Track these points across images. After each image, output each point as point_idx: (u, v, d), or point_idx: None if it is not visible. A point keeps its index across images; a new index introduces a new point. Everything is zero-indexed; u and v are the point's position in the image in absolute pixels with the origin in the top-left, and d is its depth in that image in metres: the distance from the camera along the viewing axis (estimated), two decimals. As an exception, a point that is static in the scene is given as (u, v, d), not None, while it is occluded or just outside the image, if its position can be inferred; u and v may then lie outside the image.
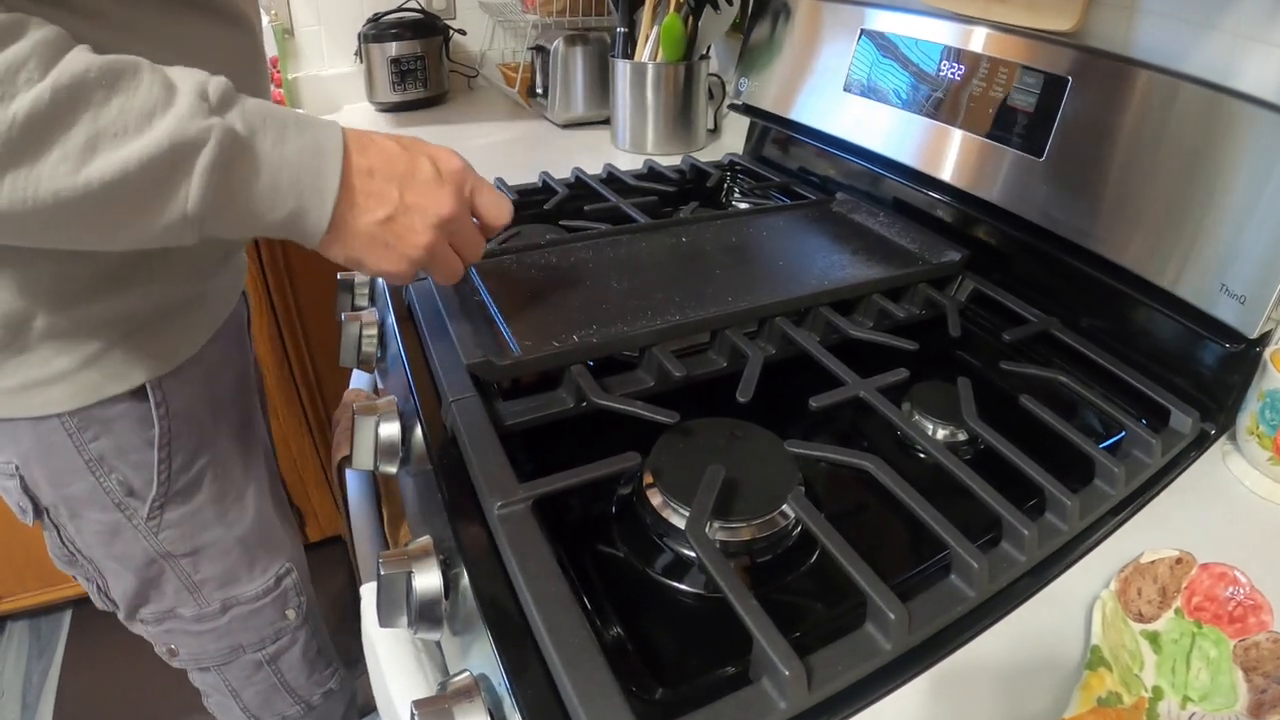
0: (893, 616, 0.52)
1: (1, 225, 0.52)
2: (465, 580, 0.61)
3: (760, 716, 0.48)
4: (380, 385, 1.12)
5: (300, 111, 0.62)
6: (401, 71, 2.05)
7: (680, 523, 0.62)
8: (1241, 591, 0.63)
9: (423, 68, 2.08)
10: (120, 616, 1.01)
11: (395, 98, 2.09)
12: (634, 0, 1.63)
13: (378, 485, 1.05)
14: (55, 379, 0.78)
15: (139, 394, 0.83)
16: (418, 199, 0.67)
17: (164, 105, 0.53)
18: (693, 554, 0.62)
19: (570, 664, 0.49)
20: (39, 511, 0.88)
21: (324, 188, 0.61)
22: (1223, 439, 0.82)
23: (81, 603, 2.23)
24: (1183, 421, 0.79)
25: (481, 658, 0.57)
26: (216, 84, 0.57)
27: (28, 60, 0.48)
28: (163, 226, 0.55)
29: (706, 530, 0.60)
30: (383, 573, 0.64)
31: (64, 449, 0.82)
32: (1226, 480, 0.78)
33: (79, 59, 0.51)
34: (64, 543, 0.91)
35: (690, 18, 1.54)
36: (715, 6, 1.50)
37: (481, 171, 0.77)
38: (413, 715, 0.53)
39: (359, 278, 1.13)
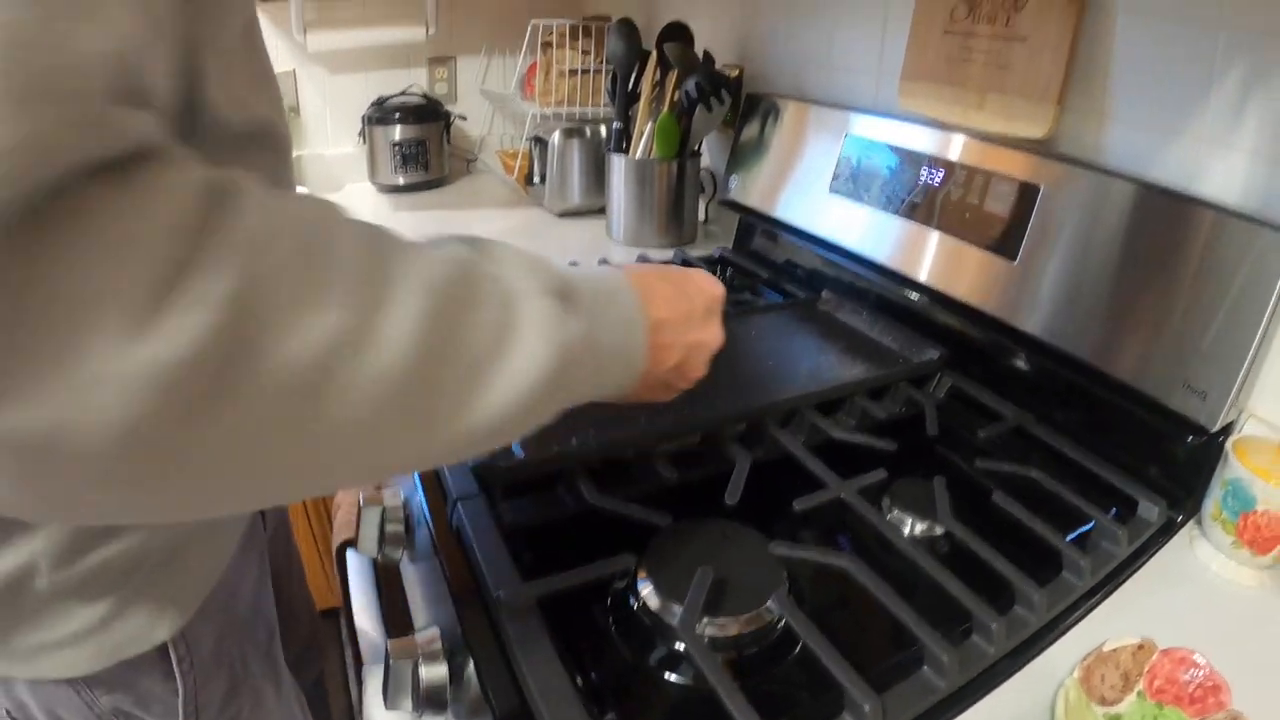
0: (867, 708, 0.56)
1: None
2: (471, 669, 0.65)
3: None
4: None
5: (581, 269, 0.60)
6: (403, 155, 2.12)
7: (673, 620, 0.66)
8: (1201, 673, 0.66)
9: (424, 152, 2.15)
10: None
11: (397, 180, 2.16)
12: (630, 96, 1.70)
13: (377, 569, 1.08)
14: (67, 642, 0.66)
15: (160, 648, 0.71)
16: (698, 337, 0.68)
17: (523, 317, 0.47)
18: (684, 648, 0.65)
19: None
20: None
21: (634, 361, 0.60)
22: (1190, 525, 0.86)
23: None
24: (1150, 510, 0.84)
25: None
26: (553, 277, 0.52)
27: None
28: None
29: (697, 628, 0.64)
30: (391, 661, 0.67)
31: (72, 704, 0.70)
32: (1193, 565, 0.82)
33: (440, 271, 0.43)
34: None
35: (684, 116, 1.60)
36: (708, 106, 1.56)
37: None
38: None
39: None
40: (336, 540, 1.03)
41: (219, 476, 0.36)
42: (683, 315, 0.66)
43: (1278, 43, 0.84)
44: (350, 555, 1.05)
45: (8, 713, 0.69)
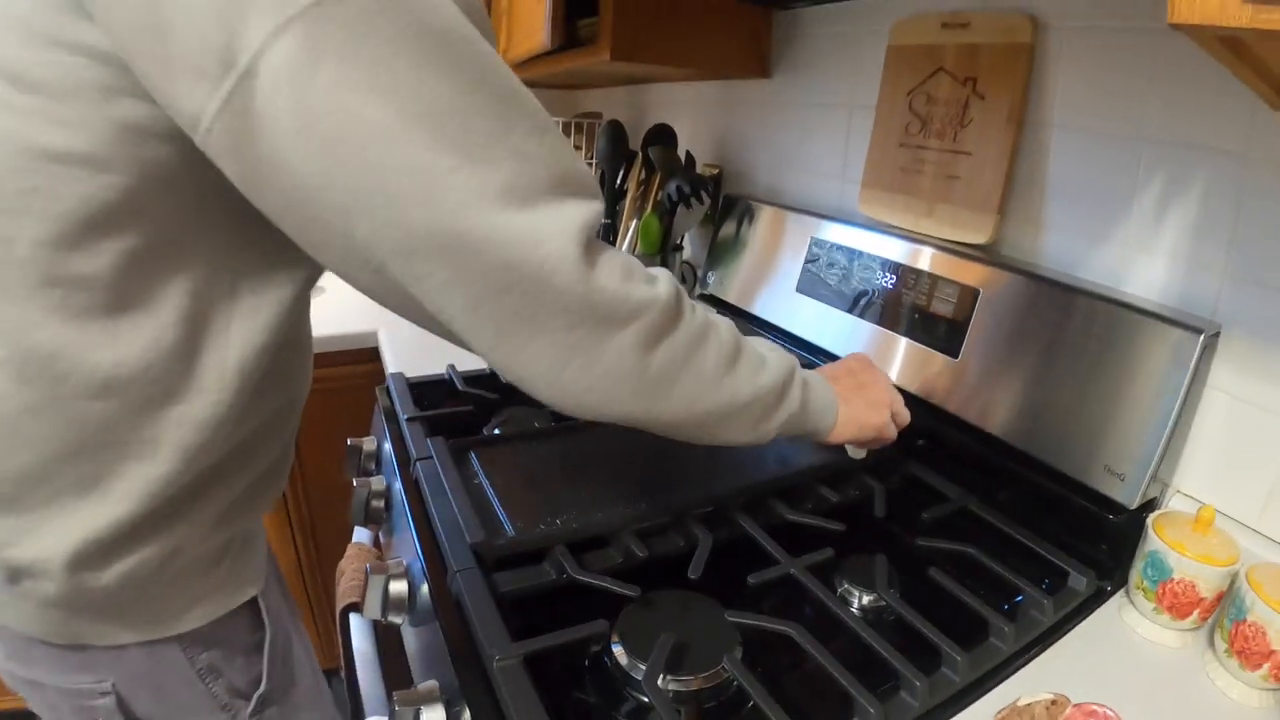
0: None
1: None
2: (467, 718, 0.75)
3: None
4: (382, 539, 1.25)
5: (811, 378, 0.93)
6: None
7: (639, 676, 0.76)
8: None
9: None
10: None
11: None
12: (617, 192, 1.82)
13: (378, 632, 1.17)
14: (193, 603, 0.84)
15: (249, 604, 0.90)
16: (869, 419, 0.98)
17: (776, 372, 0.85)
18: (650, 702, 0.75)
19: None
20: None
21: (827, 419, 0.93)
22: (1120, 594, 0.95)
23: None
24: (1079, 581, 0.93)
25: None
26: (800, 376, 0.89)
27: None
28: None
29: (659, 683, 0.74)
30: (396, 708, 0.77)
31: (175, 664, 0.85)
32: (1120, 629, 0.91)
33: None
34: None
35: (666, 215, 1.72)
36: (688, 205, 1.68)
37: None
38: None
39: (367, 445, 1.29)
40: (341, 604, 1.12)
41: (639, 376, 0.69)
42: (854, 387, 1.00)
43: (1192, 154, 0.95)
44: (353, 619, 1.14)
45: (114, 687, 0.82)
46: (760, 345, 0.85)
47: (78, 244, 0.64)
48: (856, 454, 1.08)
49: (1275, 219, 0.89)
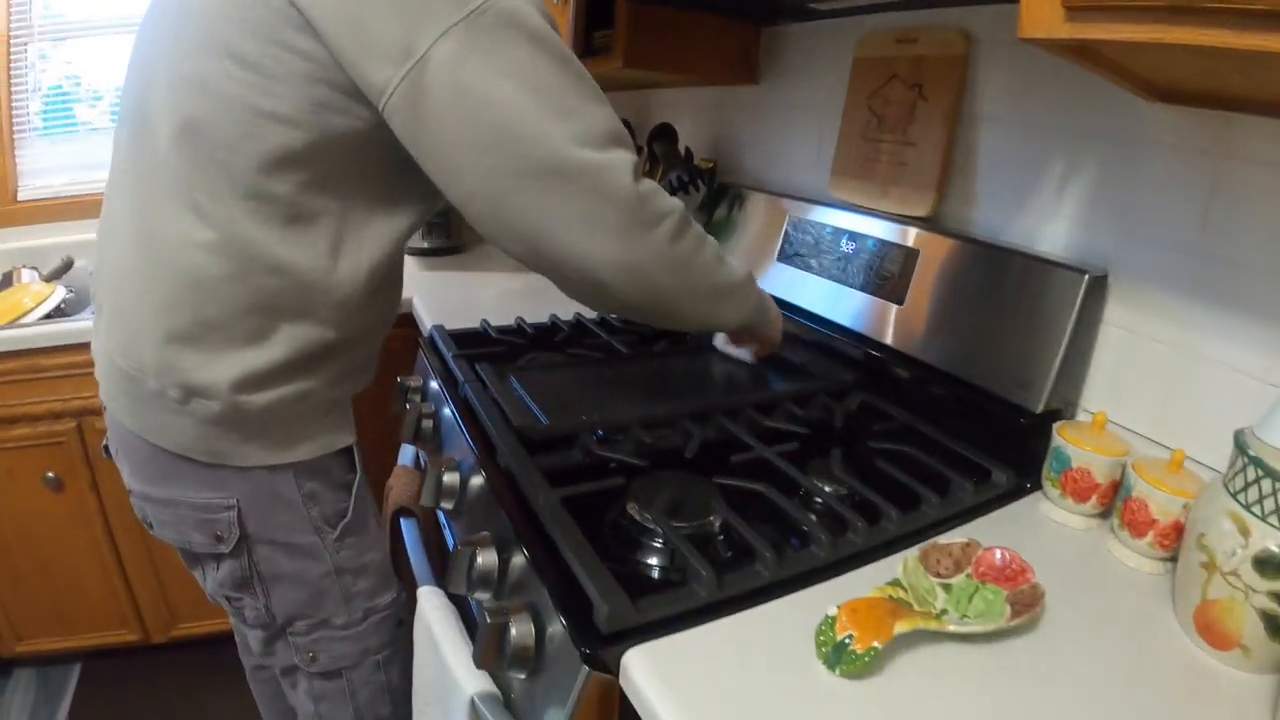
0: (769, 557, 0.89)
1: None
2: (515, 560, 0.96)
3: (684, 599, 0.85)
4: (423, 460, 1.47)
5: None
6: (430, 223, 2.44)
7: (647, 523, 0.97)
8: (1015, 562, 0.89)
9: (446, 222, 2.51)
10: (263, 639, 1.25)
11: (423, 245, 2.50)
12: (625, 183, 2.04)
13: (423, 530, 1.37)
14: (309, 437, 1.14)
15: (346, 450, 1.21)
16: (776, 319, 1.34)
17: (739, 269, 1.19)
18: (654, 540, 0.96)
19: (589, 571, 0.85)
20: (242, 538, 1.13)
21: (771, 315, 1.30)
22: (1037, 492, 1.12)
23: (92, 656, 2.41)
24: (1000, 478, 1.12)
25: (531, 588, 0.91)
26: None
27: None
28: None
29: (663, 525, 0.95)
30: (457, 547, 0.99)
31: (287, 487, 1.13)
32: (1035, 516, 1.08)
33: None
34: (247, 567, 1.16)
35: (669, 200, 1.93)
36: (687, 192, 1.91)
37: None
38: (483, 614, 0.87)
39: (413, 382, 1.53)
40: (391, 509, 1.34)
41: (671, 262, 1.03)
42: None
43: (1088, 140, 1.17)
44: (405, 525, 1.35)
45: (237, 503, 1.11)
46: (725, 253, 1.19)
47: (271, 173, 0.95)
48: (749, 357, 1.46)
49: (1150, 187, 1.09)
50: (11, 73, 2.56)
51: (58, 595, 2.27)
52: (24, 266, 2.51)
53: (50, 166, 2.70)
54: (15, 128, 2.62)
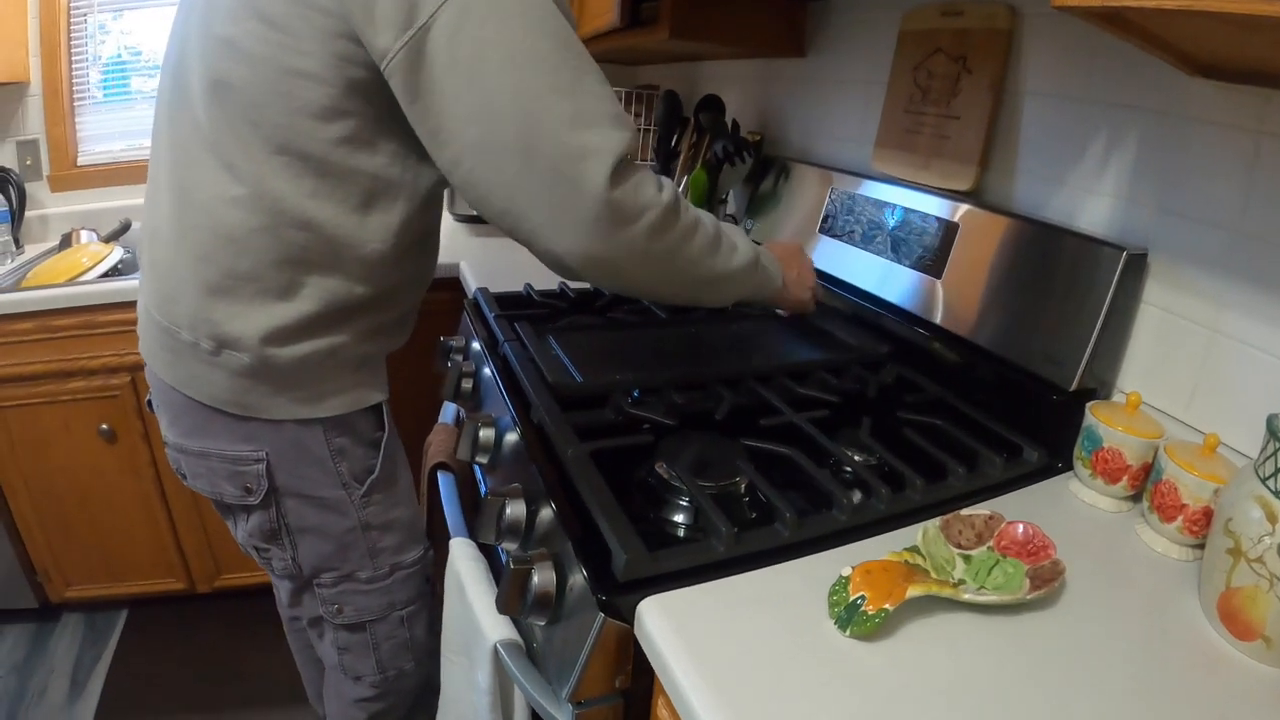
0: (788, 517, 0.90)
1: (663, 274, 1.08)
2: (544, 512, 0.98)
3: (702, 553, 0.87)
4: (463, 417, 1.50)
5: (766, 259, 1.26)
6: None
7: (674, 481, 0.99)
8: (1038, 537, 0.88)
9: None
10: (290, 589, 1.31)
11: (471, 211, 2.44)
12: (670, 153, 2.06)
13: (459, 485, 1.39)
14: (339, 392, 1.17)
15: (375, 408, 1.24)
16: (800, 274, 1.36)
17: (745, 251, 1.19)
18: (678, 498, 0.98)
19: (610, 520, 0.87)
20: (270, 491, 1.17)
21: (773, 291, 1.28)
22: (1068, 473, 1.11)
23: (138, 604, 2.50)
24: (1030, 455, 1.11)
25: (557, 539, 0.93)
26: (752, 245, 1.22)
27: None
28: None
29: (689, 484, 0.97)
30: (487, 498, 1.02)
31: (315, 442, 1.17)
32: (1064, 495, 1.07)
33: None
34: (275, 519, 1.20)
35: (713, 171, 1.94)
36: (733, 163, 1.91)
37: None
38: (506, 562, 0.90)
39: (455, 342, 1.57)
40: (429, 464, 1.37)
41: (644, 257, 1.02)
42: (795, 267, 1.36)
43: (1130, 114, 1.15)
44: (440, 476, 1.38)
45: (266, 455, 1.16)
46: (736, 236, 1.19)
47: (300, 130, 0.98)
48: (784, 313, 1.47)
49: (1191, 163, 1.07)
50: (72, 44, 2.65)
51: (107, 544, 2.34)
52: (83, 228, 2.59)
53: (109, 133, 2.80)
54: (75, 97, 2.71)
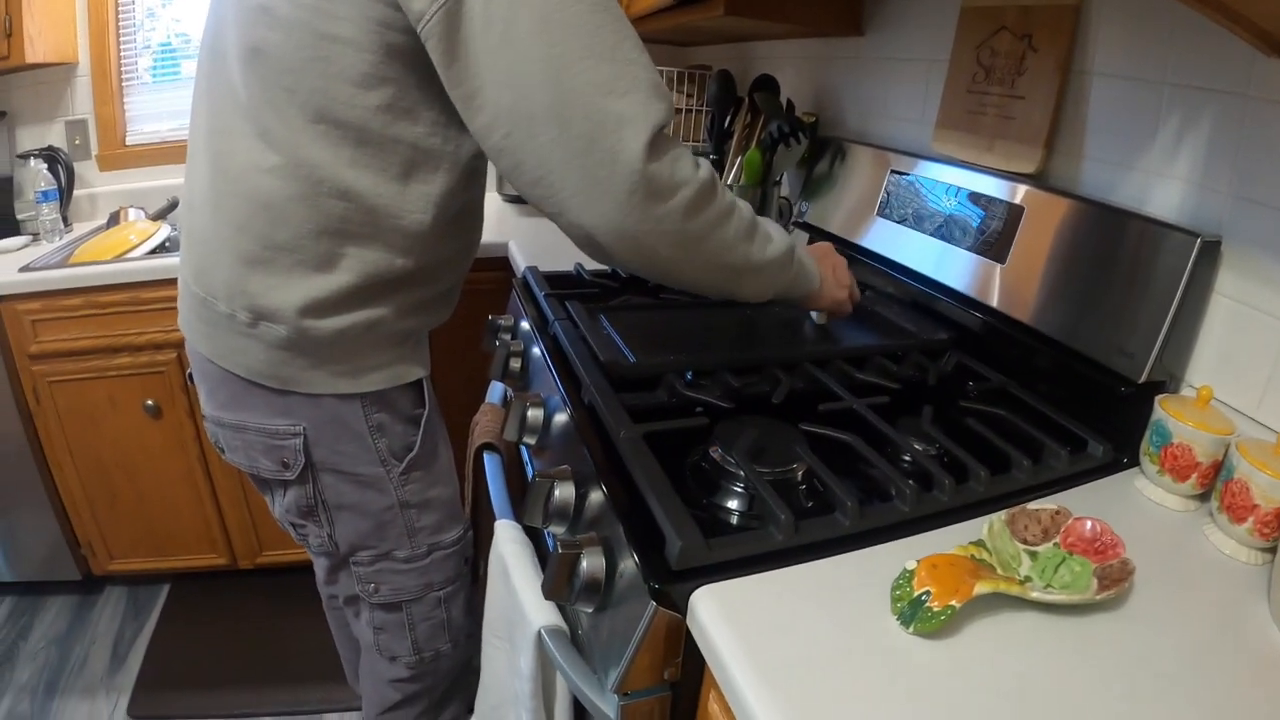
0: (849, 505, 0.87)
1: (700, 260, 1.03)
2: (593, 496, 0.96)
3: (760, 542, 0.84)
4: (510, 397, 1.46)
5: (802, 256, 1.20)
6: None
7: (729, 466, 0.97)
8: (1106, 535, 0.85)
9: (543, 170, 2.49)
10: (327, 567, 1.31)
11: (517, 192, 2.49)
12: (724, 133, 2.03)
13: (506, 466, 1.37)
14: (378, 367, 1.15)
15: (416, 384, 1.22)
16: (833, 272, 1.28)
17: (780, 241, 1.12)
18: (734, 484, 0.96)
19: (665, 506, 0.84)
20: (307, 466, 1.16)
21: (810, 289, 1.22)
22: (1135, 468, 1.07)
23: (180, 578, 2.55)
24: (1096, 449, 1.07)
25: (606, 523, 0.91)
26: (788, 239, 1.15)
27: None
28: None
29: (746, 470, 0.94)
30: (535, 480, 1.00)
31: (354, 417, 1.15)
32: (1130, 492, 1.03)
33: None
34: (312, 495, 1.20)
35: (767, 152, 1.91)
36: (787, 144, 1.87)
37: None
38: (554, 546, 0.88)
39: (504, 321, 1.55)
40: (476, 445, 1.36)
41: (677, 236, 0.97)
42: (829, 267, 1.29)
43: (1203, 95, 1.10)
44: (486, 457, 1.37)
45: (304, 430, 1.14)
46: (771, 227, 1.12)
47: (337, 98, 0.96)
48: (820, 319, 1.40)
49: (1269, 148, 1.03)
50: (120, 27, 2.68)
51: (151, 518, 2.37)
52: (130, 206, 2.63)
53: (157, 113, 2.83)
54: (124, 78, 2.75)
